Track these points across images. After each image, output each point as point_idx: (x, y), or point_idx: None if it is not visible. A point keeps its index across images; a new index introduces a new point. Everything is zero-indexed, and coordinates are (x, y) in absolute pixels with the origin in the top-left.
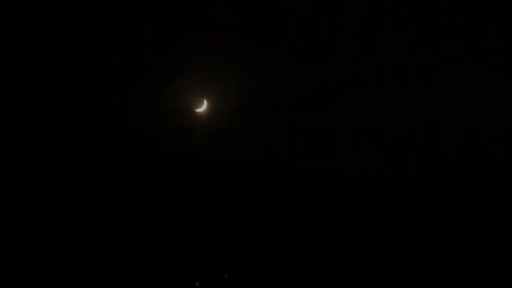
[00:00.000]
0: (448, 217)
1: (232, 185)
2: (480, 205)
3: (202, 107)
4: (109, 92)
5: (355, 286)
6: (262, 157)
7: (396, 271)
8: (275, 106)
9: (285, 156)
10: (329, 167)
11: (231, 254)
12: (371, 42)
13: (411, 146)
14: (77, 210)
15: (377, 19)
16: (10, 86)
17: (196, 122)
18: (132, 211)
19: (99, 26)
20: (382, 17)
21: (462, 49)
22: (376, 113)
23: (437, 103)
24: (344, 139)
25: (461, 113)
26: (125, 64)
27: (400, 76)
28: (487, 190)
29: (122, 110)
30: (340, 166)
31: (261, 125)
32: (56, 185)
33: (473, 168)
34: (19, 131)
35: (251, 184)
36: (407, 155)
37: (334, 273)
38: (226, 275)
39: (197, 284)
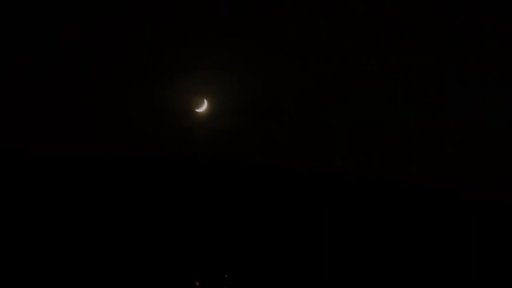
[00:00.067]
0: (448, 217)
1: (232, 185)
2: (480, 205)
3: (203, 107)
4: (109, 92)
5: (355, 286)
6: (262, 157)
7: (396, 271)
8: (275, 106)
9: (285, 156)
10: (329, 167)
11: (231, 254)
12: (371, 42)
13: (411, 146)
14: (77, 210)
15: (377, 19)
16: (10, 86)
17: (196, 122)
18: (132, 211)
19: (99, 26)
20: (382, 17)
21: (462, 49)
22: (376, 113)
23: (437, 103)
24: (344, 139)
25: (461, 113)
26: (125, 64)
27: (400, 76)
28: (487, 190)
29: (122, 110)
30: (340, 166)
31: (261, 125)
32: (56, 185)
33: (473, 168)
34: (19, 131)
35: (251, 184)
36: (407, 155)
37: (334, 273)
38: (226, 275)
39: (197, 284)
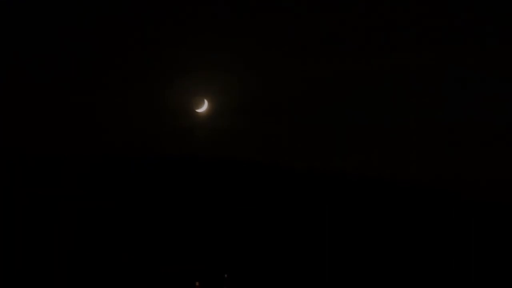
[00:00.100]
0: (448, 217)
1: (232, 185)
2: (480, 205)
3: (203, 107)
4: (109, 92)
5: (355, 286)
6: (262, 157)
7: (396, 271)
8: (275, 106)
9: (285, 156)
10: (329, 167)
11: (231, 254)
12: (371, 42)
13: (411, 146)
14: (77, 210)
15: (377, 19)
16: (10, 86)
17: (197, 122)
18: (132, 211)
19: (100, 26)
20: (382, 17)
21: (462, 49)
22: (376, 113)
23: (437, 103)
24: (344, 139)
25: (461, 113)
26: (125, 64)
27: (400, 76)
28: (487, 190)
29: (122, 110)
30: (340, 166)
31: (261, 125)
32: (56, 185)
33: (473, 168)
34: (19, 131)
35: (251, 184)
36: (407, 155)
37: (334, 273)
38: (226, 275)
39: (197, 284)
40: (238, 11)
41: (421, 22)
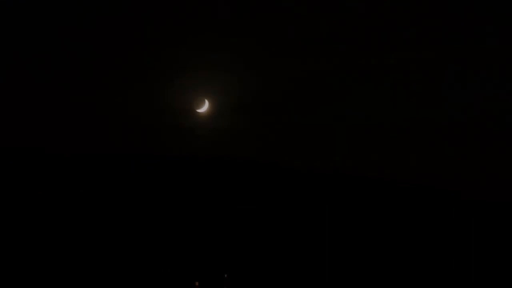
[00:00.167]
0: (448, 217)
1: (232, 185)
2: (480, 205)
3: (204, 107)
4: (109, 92)
5: (355, 285)
6: (262, 157)
7: (396, 271)
8: (276, 106)
9: (285, 155)
10: (329, 167)
11: (231, 254)
12: (371, 42)
13: (411, 146)
14: (77, 210)
15: (377, 19)
16: (10, 86)
17: (197, 122)
18: (132, 211)
19: (99, 26)
20: (382, 17)
21: (462, 49)
22: (376, 113)
23: (437, 103)
24: (344, 139)
25: (461, 113)
26: (125, 64)
27: (400, 76)
28: (487, 190)
29: (123, 110)
30: (340, 166)
31: (261, 125)
32: (56, 185)
33: (473, 168)
34: (19, 131)
35: (251, 183)
36: (407, 155)
37: (334, 272)
38: (225, 275)
39: (197, 284)
40: (238, 11)
41: (421, 22)
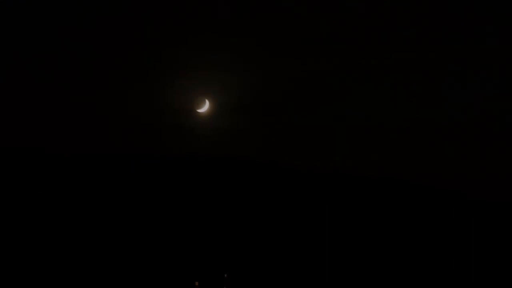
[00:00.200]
0: (448, 217)
1: (232, 184)
2: (480, 205)
3: (204, 107)
4: (109, 92)
5: (355, 285)
6: (262, 157)
7: (396, 271)
8: (276, 106)
9: (285, 155)
10: (329, 167)
11: (231, 254)
12: (371, 42)
13: (411, 146)
14: (77, 210)
15: (377, 19)
16: (10, 86)
17: (197, 122)
18: (132, 211)
19: (99, 26)
20: (382, 17)
21: (462, 49)
22: (376, 113)
23: (437, 103)
24: (344, 139)
25: (461, 113)
26: (125, 64)
27: (400, 77)
28: (487, 190)
29: (123, 110)
30: (340, 166)
31: (261, 125)
32: (56, 185)
33: (473, 168)
34: (19, 131)
35: (251, 183)
36: (407, 155)
37: (334, 272)
38: (225, 275)
39: (197, 284)
40: (238, 11)
41: (421, 22)
